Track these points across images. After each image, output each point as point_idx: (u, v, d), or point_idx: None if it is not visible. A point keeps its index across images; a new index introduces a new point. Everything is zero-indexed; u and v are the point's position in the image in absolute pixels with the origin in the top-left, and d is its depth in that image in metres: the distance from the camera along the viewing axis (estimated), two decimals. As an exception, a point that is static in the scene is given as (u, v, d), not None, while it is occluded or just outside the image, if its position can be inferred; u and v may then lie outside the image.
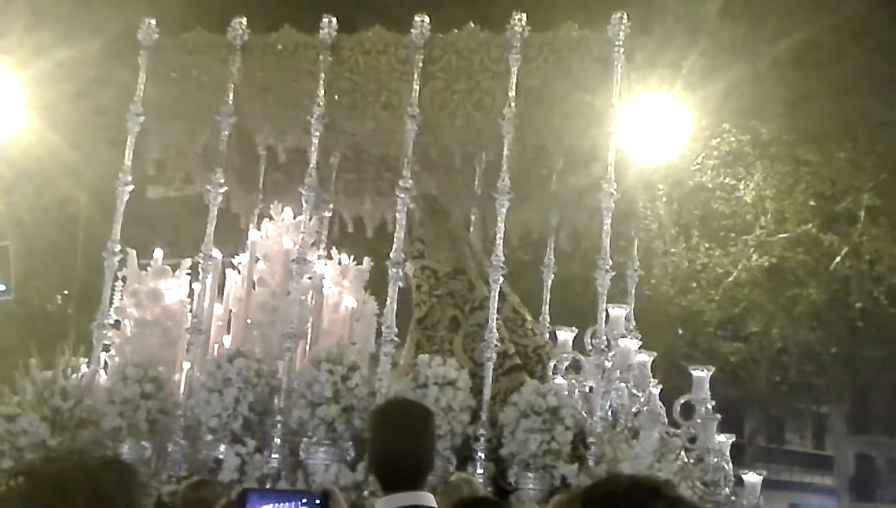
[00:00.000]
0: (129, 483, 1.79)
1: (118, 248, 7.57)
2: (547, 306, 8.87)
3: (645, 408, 7.20)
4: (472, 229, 8.92)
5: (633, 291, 8.16)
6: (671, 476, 6.65)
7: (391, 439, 3.34)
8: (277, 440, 6.90)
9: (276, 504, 2.80)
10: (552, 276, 9.04)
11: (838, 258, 17.11)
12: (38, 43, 14.29)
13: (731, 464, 7.91)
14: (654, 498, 1.76)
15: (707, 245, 17.45)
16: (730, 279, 17.27)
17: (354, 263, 8.59)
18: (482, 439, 6.81)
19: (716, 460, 7.68)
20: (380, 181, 8.99)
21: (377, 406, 4.97)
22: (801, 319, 17.78)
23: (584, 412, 7.01)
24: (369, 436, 3.57)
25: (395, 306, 7.20)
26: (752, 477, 8.11)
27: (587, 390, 7.30)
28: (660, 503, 1.76)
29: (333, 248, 8.62)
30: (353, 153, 8.32)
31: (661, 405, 7.60)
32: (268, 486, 6.48)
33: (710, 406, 7.92)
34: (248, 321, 7.78)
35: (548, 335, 8.41)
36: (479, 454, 6.78)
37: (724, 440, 8.02)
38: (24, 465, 1.77)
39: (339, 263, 8.46)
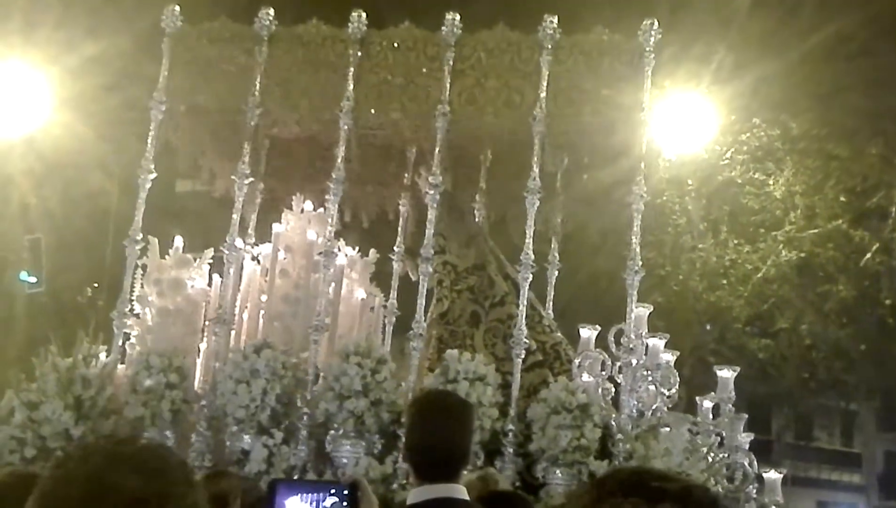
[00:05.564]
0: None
1: (140, 236, 7.43)
2: (551, 303, 8.70)
3: (666, 408, 7.15)
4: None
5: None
6: (699, 474, 6.62)
7: (430, 429, 3.36)
8: (304, 433, 6.88)
9: (305, 495, 2.80)
10: (556, 273, 8.82)
11: (869, 254, 16.95)
12: (67, 37, 14.41)
13: (755, 462, 7.88)
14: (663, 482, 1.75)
15: (736, 241, 17.35)
16: (759, 275, 17.15)
17: (359, 254, 8.55)
18: (510, 434, 6.78)
19: (739, 458, 7.65)
20: (383, 172, 8.90)
21: (418, 396, 4.93)
22: (831, 315, 17.64)
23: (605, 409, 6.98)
24: (408, 425, 3.58)
25: (424, 303, 7.18)
26: (773, 475, 8.06)
27: (607, 386, 7.26)
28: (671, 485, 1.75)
29: (340, 239, 8.51)
30: (360, 143, 8.15)
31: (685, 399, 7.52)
32: (295, 477, 6.48)
33: (731, 407, 7.88)
34: (262, 312, 7.68)
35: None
36: (508, 449, 6.75)
37: (745, 438, 7.98)
38: (59, 459, 1.77)
39: (346, 255, 8.40)
